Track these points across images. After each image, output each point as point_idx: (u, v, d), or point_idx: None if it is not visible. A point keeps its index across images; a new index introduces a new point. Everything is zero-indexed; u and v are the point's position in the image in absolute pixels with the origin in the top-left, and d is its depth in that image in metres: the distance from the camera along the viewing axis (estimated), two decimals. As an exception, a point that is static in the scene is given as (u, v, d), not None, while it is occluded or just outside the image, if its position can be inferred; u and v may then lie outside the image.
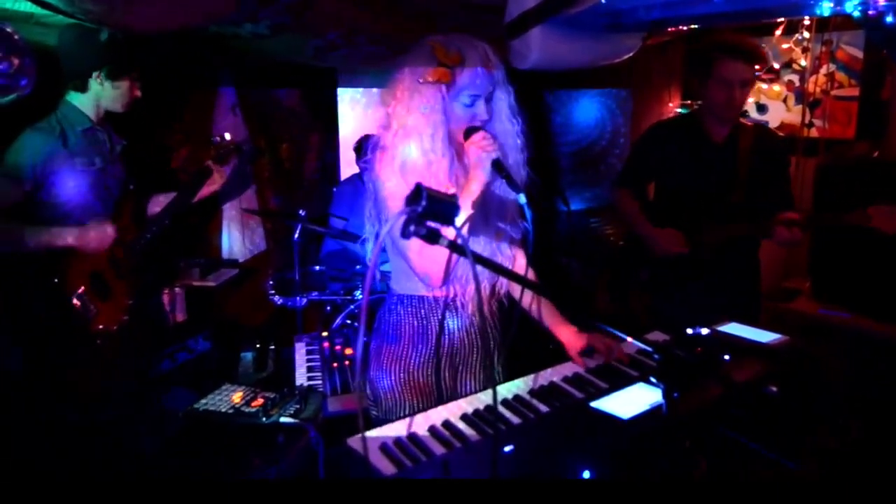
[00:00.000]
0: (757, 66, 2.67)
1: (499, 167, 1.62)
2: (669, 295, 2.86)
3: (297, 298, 3.54)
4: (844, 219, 2.48)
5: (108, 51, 2.46)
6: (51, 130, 2.43)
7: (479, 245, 1.81)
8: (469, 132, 1.69)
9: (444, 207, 1.05)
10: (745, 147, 2.69)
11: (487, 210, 1.79)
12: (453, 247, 1.11)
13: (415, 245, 1.65)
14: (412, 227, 1.03)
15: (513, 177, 1.64)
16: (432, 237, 1.06)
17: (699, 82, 2.68)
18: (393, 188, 1.69)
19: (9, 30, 1.90)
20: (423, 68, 1.68)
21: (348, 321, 3.48)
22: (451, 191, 1.69)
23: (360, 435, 1.21)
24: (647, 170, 2.95)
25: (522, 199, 1.59)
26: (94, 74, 2.47)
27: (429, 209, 1.02)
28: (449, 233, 1.16)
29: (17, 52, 1.87)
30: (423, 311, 1.83)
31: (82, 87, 2.50)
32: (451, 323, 1.84)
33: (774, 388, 1.54)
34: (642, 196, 3.02)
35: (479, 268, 1.71)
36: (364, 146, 3.94)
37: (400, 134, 1.70)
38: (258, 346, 4.26)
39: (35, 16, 2.37)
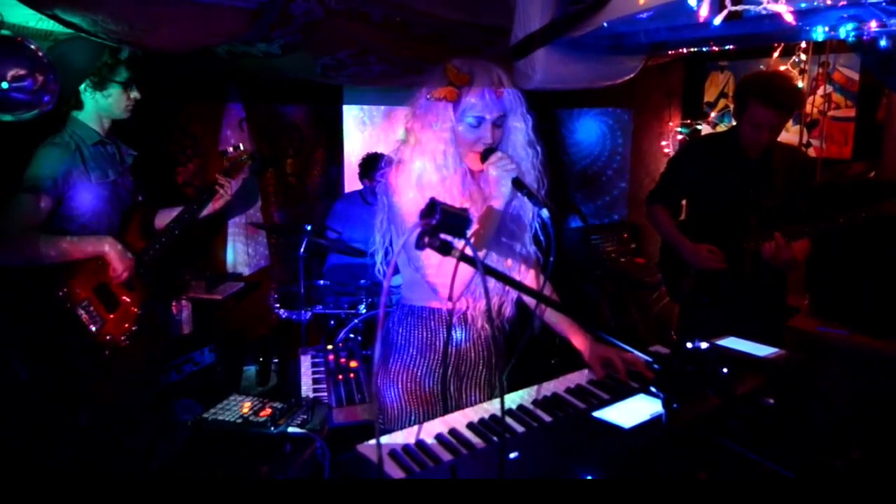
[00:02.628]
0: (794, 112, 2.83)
1: (518, 184, 1.67)
2: (709, 308, 2.96)
3: (302, 312, 3.58)
4: (881, 210, 2.54)
5: (90, 63, 2.48)
6: (66, 146, 2.48)
7: (492, 262, 1.85)
8: (486, 154, 1.74)
9: (456, 221, 1.11)
10: (779, 162, 2.83)
11: (501, 229, 1.83)
12: (465, 258, 1.17)
13: (429, 257, 1.70)
14: (426, 239, 1.08)
15: (533, 192, 1.68)
16: (445, 249, 1.11)
17: (735, 113, 2.83)
18: (409, 201, 1.74)
19: (33, 47, 1.97)
20: (435, 87, 1.74)
21: (352, 335, 3.52)
22: (465, 206, 1.74)
23: (373, 441, 1.25)
24: (683, 185, 3.06)
25: (545, 213, 1.62)
26: (82, 88, 2.52)
27: (442, 222, 1.08)
28: (461, 245, 1.21)
29: (40, 69, 1.94)
30: (432, 323, 1.88)
31: (78, 105, 2.55)
32: (459, 335, 1.88)
33: (771, 400, 1.59)
34: (675, 211, 3.13)
35: (489, 283, 1.77)
36: (369, 164, 4.03)
37: (416, 149, 1.77)
38: (261, 359, 4.29)
39: (54, 33, 2.45)
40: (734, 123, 2.95)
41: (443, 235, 1.11)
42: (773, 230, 2.71)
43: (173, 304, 3.65)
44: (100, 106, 2.57)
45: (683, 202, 3.32)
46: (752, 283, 2.85)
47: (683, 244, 2.92)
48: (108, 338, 2.56)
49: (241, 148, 3.11)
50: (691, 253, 2.88)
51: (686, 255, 2.92)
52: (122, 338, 2.60)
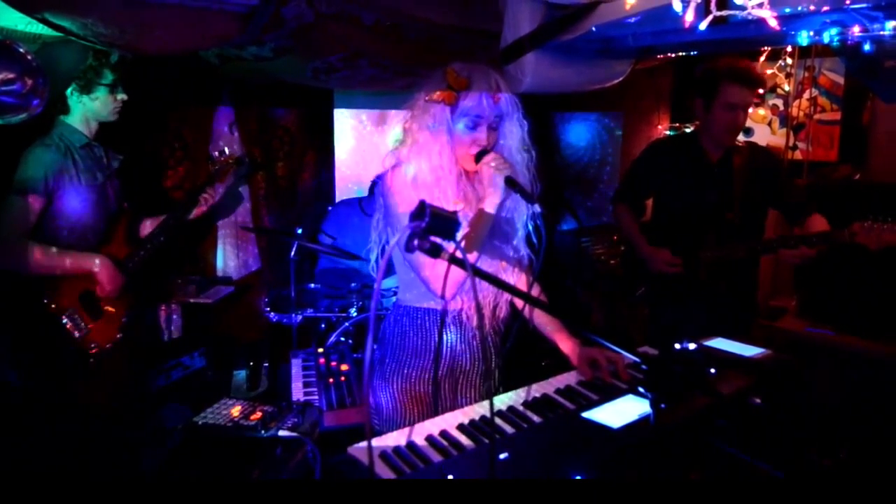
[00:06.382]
0: (759, 91, 2.82)
1: (511, 183, 1.69)
2: (665, 311, 2.95)
3: (293, 315, 3.58)
4: (830, 236, 2.56)
5: (75, 66, 2.49)
6: (56, 147, 2.47)
7: (485, 263, 1.87)
8: (480, 155, 1.76)
9: (446, 223, 1.12)
10: (739, 166, 2.79)
11: (494, 230, 1.85)
12: (454, 260, 1.18)
13: (422, 257, 1.72)
14: (416, 242, 1.09)
15: (525, 190, 1.70)
16: (434, 251, 1.13)
17: (703, 105, 2.77)
18: (404, 201, 1.77)
19: (22, 50, 1.97)
20: (433, 89, 1.77)
21: (342, 338, 3.52)
22: (459, 207, 1.77)
23: (364, 443, 1.25)
24: (644, 186, 3.06)
25: (538, 209, 1.66)
26: (69, 92, 2.51)
27: (432, 225, 1.09)
28: (450, 247, 1.22)
29: (30, 73, 1.93)
30: (427, 323, 1.89)
31: (64, 109, 2.54)
32: (453, 336, 1.90)
33: (758, 400, 1.61)
34: (639, 211, 3.12)
35: (482, 285, 1.78)
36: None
37: (413, 149, 1.79)
38: (252, 363, 4.28)
39: (43, 37, 2.44)
40: None
41: (432, 238, 1.12)
42: (730, 244, 2.74)
43: (163, 308, 3.64)
44: (87, 109, 2.56)
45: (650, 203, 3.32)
46: (712, 289, 2.83)
47: (642, 246, 2.91)
48: (92, 345, 2.55)
49: (227, 153, 3.12)
50: (648, 255, 2.87)
51: (644, 256, 2.90)
52: (108, 345, 2.59)
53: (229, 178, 3.10)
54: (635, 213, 3.09)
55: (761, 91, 4.04)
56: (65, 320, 2.49)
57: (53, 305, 2.48)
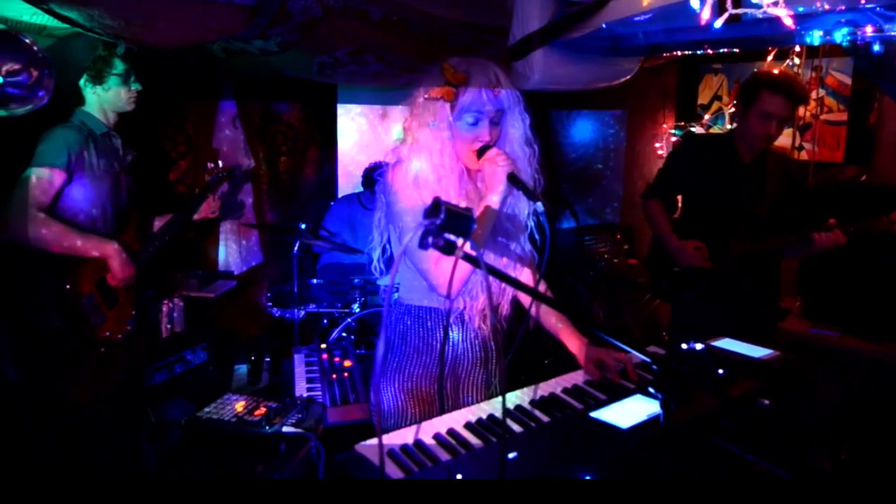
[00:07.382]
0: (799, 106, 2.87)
1: (514, 180, 1.67)
2: (690, 306, 2.98)
3: (295, 310, 3.57)
4: (872, 225, 2.61)
5: (86, 58, 2.49)
6: (78, 129, 2.48)
7: (489, 260, 1.84)
8: (482, 151, 1.73)
9: (460, 220, 1.11)
10: (772, 169, 2.84)
11: (497, 227, 1.83)
12: (467, 258, 1.16)
13: (431, 256, 1.71)
14: (430, 239, 1.08)
15: (528, 187, 1.68)
16: (449, 249, 1.11)
17: (741, 109, 2.81)
18: (407, 200, 1.74)
19: (28, 41, 1.95)
20: (432, 86, 1.74)
21: (344, 334, 3.51)
22: (462, 205, 1.74)
23: (370, 440, 1.24)
24: (678, 181, 3.07)
25: (540, 206, 1.64)
26: (82, 83, 2.52)
27: (447, 222, 1.08)
28: (460, 243, 1.20)
29: (36, 64, 1.92)
30: (429, 322, 1.87)
31: (81, 101, 2.55)
32: (457, 335, 1.88)
33: (766, 402, 1.60)
34: (671, 208, 3.14)
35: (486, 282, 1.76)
36: (372, 174, 4.01)
37: (413, 148, 1.77)
38: (253, 358, 4.27)
39: (47, 28, 2.42)
40: (728, 127, 2.96)
41: (447, 235, 1.11)
42: (759, 238, 2.76)
43: (165, 302, 3.63)
44: (102, 100, 2.57)
45: (679, 198, 3.33)
46: (738, 285, 2.86)
47: (671, 239, 2.94)
48: (107, 334, 2.54)
49: (221, 165, 3.13)
50: (677, 248, 2.90)
51: (672, 250, 2.93)
52: (119, 336, 2.59)
53: (222, 189, 3.11)
54: (667, 209, 3.11)
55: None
56: (84, 303, 2.48)
57: (72, 288, 2.47)
